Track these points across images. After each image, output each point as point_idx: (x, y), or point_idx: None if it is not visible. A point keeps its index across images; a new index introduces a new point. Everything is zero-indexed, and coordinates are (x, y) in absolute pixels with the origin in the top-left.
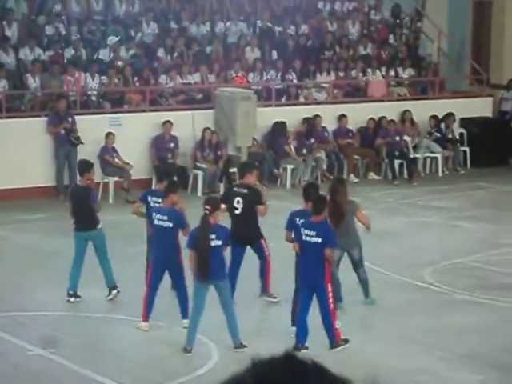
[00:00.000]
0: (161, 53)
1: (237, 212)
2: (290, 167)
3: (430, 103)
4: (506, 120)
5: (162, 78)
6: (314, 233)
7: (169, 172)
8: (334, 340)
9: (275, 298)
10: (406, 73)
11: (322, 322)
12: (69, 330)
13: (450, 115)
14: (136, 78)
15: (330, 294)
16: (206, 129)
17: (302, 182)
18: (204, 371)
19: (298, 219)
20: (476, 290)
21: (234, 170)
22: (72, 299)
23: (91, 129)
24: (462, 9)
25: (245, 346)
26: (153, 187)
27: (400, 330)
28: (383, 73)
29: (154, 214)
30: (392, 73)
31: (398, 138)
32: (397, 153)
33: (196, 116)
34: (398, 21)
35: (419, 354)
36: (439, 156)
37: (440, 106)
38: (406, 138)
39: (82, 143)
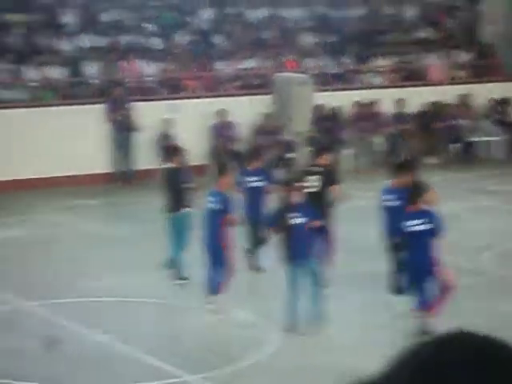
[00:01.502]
0: (217, 39)
1: (312, 190)
2: (348, 152)
3: (489, 87)
4: None
5: (219, 64)
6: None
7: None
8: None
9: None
10: (465, 56)
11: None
12: (130, 315)
13: (508, 99)
14: (192, 65)
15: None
16: (263, 114)
17: (361, 168)
18: (263, 356)
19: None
20: None
21: (292, 155)
22: (180, 282)
23: (148, 115)
24: None
25: (296, 331)
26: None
27: (458, 315)
28: (441, 56)
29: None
30: (450, 56)
31: (455, 122)
32: (454, 136)
33: (253, 101)
34: (455, 3)
35: None
36: (497, 139)
37: (498, 90)
38: (463, 121)
39: (138, 129)
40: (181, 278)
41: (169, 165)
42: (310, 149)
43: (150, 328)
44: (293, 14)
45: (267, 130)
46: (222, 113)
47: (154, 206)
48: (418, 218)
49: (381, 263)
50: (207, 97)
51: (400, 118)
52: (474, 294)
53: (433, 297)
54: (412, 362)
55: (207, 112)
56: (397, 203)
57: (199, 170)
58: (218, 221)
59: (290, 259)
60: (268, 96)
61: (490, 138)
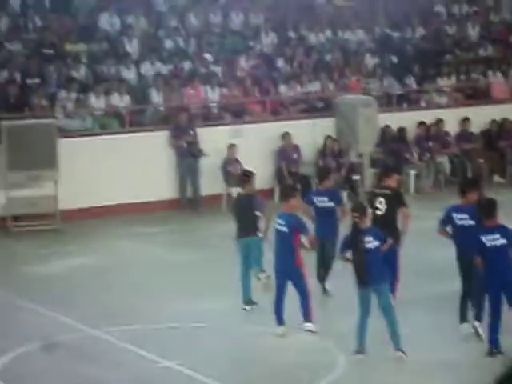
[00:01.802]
0: (280, 62)
1: (379, 213)
2: (412, 173)
3: None
4: None
5: (282, 88)
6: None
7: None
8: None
9: None
10: None
11: None
12: (198, 341)
13: None
14: (256, 89)
15: None
16: (327, 137)
17: (425, 188)
18: (329, 381)
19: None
20: None
21: (356, 177)
22: (248, 307)
23: (213, 140)
24: None
25: (404, 354)
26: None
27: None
28: (505, 74)
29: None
30: None
31: None
32: None
33: (317, 124)
34: None
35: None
36: None
37: None
38: None
39: (204, 155)
40: (248, 303)
41: (240, 191)
42: (375, 170)
43: (219, 354)
44: (354, 36)
45: (332, 153)
46: (286, 136)
47: (219, 232)
48: (497, 233)
49: (452, 284)
50: (271, 121)
51: (465, 137)
52: None
53: None
54: None
55: (271, 136)
56: (470, 222)
57: (265, 194)
58: (288, 243)
59: (363, 283)
60: (332, 118)
61: None
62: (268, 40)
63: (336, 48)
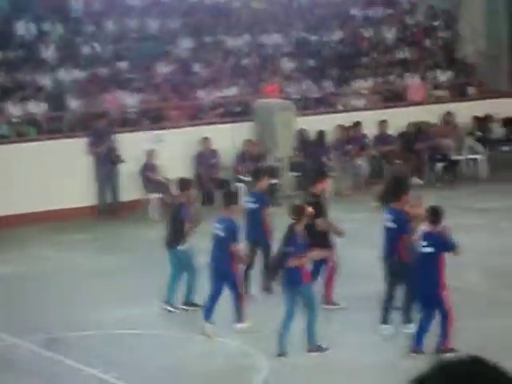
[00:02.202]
0: (197, 67)
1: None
2: (331, 175)
3: (470, 105)
4: None
5: (200, 93)
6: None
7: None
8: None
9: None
10: (445, 75)
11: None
12: (119, 348)
13: (490, 116)
14: (174, 94)
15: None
16: (247, 141)
17: (344, 191)
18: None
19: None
20: None
21: (275, 181)
22: (171, 308)
23: (132, 146)
24: (498, 7)
25: (322, 350)
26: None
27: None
28: (421, 76)
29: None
30: (430, 76)
31: (439, 141)
32: (438, 156)
33: (235, 129)
34: (433, 23)
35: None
36: (481, 157)
37: (480, 107)
38: (447, 140)
39: (123, 161)
40: (189, 304)
41: (177, 199)
42: (296, 174)
43: (145, 361)
44: (271, 39)
45: (251, 157)
46: (204, 141)
47: (140, 238)
48: (431, 239)
49: (374, 286)
50: (189, 126)
51: (382, 139)
52: (461, 311)
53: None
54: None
55: (190, 141)
56: (393, 225)
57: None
58: (225, 248)
59: (287, 286)
60: (250, 123)
61: (473, 155)
62: (185, 45)
63: (253, 52)
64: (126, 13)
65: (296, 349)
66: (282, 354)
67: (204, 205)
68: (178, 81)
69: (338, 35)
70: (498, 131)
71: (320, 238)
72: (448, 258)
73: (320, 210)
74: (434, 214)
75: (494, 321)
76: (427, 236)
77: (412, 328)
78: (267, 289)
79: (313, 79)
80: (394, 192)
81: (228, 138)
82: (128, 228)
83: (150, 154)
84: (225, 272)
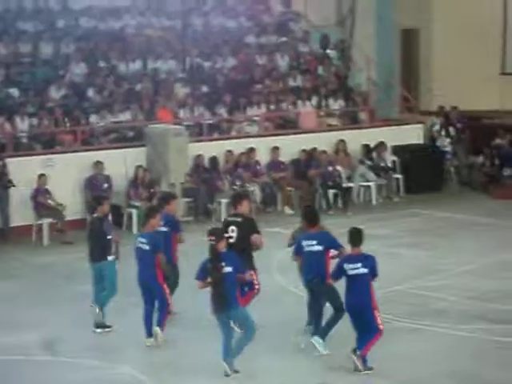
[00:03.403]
0: (91, 92)
1: (231, 241)
2: (224, 201)
3: (362, 132)
4: (436, 146)
5: (93, 118)
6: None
7: None
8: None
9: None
10: (337, 103)
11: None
12: (10, 375)
13: (381, 143)
14: (67, 119)
15: None
16: (138, 167)
17: None
18: None
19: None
20: (415, 316)
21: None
22: (99, 330)
23: (23, 171)
24: (389, 37)
25: (234, 372)
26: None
27: (342, 359)
28: (314, 104)
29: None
30: (323, 104)
31: (331, 169)
32: (330, 183)
33: (128, 154)
34: (326, 51)
35: (362, 381)
36: (373, 184)
37: (371, 135)
38: (339, 167)
39: (13, 186)
40: (100, 326)
41: (94, 215)
42: (189, 200)
43: None
44: (165, 65)
45: (143, 183)
46: (97, 165)
47: (31, 263)
48: (358, 262)
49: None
50: (82, 150)
51: (275, 165)
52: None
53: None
54: None
55: (82, 166)
56: (319, 248)
57: (76, 224)
58: (151, 260)
59: (221, 309)
60: (143, 148)
61: (366, 182)
62: (78, 70)
63: (146, 77)
64: (19, 37)
65: (189, 375)
66: (231, 373)
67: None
68: (70, 105)
69: (231, 62)
70: (388, 159)
71: (247, 261)
72: (343, 285)
73: (252, 228)
74: (358, 236)
75: (388, 347)
76: (357, 258)
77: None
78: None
79: (206, 105)
80: (311, 220)
81: (120, 164)
82: (19, 253)
83: (42, 178)
84: (153, 285)
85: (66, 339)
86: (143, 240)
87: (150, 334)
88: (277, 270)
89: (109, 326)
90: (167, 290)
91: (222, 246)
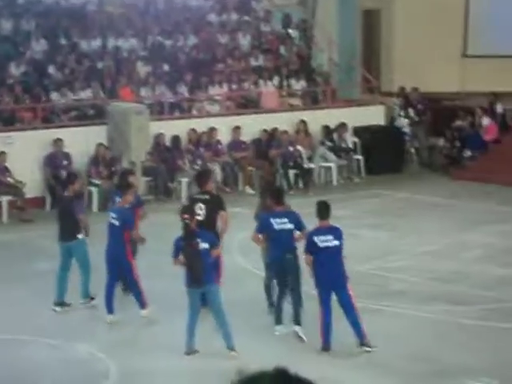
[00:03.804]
0: (52, 69)
1: (199, 218)
2: (184, 180)
3: (323, 113)
4: (397, 127)
5: (54, 95)
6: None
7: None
8: (364, 338)
9: None
10: (299, 83)
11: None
12: None
13: (342, 124)
14: (27, 96)
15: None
16: (99, 145)
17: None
18: None
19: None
20: (375, 297)
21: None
22: (58, 308)
23: None
24: (351, 18)
25: (235, 352)
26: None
27: (298, 340)
28: (275, 84)
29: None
30: (285, 83)
31: (291, 149)
32: (291, 163)
33: (89, 132)
34: (288, 31)
35: (323, 363)
36: (333, 165)
37: (333, 116)
38: (299, 148)
39: None
40: (60, 305)
41: (65, 193)
42: (149, 179)
43: None
44: (127, 43)
45: (104, 160)
46: (57, 142)
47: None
48: (329, 234)
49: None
50: (42, 128)
51: (236, 145)
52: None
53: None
54: None
55: (42, 143)
56: (290, 226)
57: (36, 202)
58: (120, 236)
59: (196, 284)
60: (104, 126)
61: (327, 163)
62: (39, 47)
63: (108, 55)
64: None
65: (149, 353)
66: (190, 351)
67: (54, 208)
68: (31, 82)
69: (193, 40)
70: (349, 140)
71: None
72: (303, 267)
73: (220, 205)
74: (326, 209)
75: (348, 328)
76: (326, 230)
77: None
78: (125, 289)
79: (168, 84)
80: (279, 198)
81: (81, 142)
82: None
83: (1, 156)
84: (121, 261)
85: (24, 318)
86: (114, 215)
87: (110, 310)
88: (237, 251)
89: (68, 304)
90: (136, 269)
91: (194, 224)
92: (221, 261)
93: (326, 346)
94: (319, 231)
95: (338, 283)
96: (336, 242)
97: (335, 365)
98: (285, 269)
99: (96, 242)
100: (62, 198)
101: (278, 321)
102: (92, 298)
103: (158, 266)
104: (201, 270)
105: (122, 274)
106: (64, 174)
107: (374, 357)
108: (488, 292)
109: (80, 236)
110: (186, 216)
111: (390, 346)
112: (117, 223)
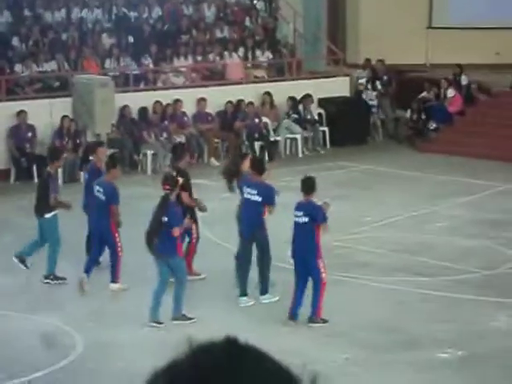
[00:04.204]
0: (15, 41)
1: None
2: (150, 153)
3: (288, 85)
4: (362, 99)
5: (18, 67)
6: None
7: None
8: (315, 314)
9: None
10: (264, 55)
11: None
12: None
13: (307, 96)
14: None
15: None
16: (64, 117)
17: (162, 167)
18: (68, 362)
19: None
20: (339, 268)
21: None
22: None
23: None
24: None
25: (190, 319)
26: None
27: (264, 311)
28: (241, 55)
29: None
30: (250, 55)
31: (257, 121)
32: (257, 135)
33: (53, 104)
34: (253, 2)
35: (284, 334)
36: (299, 137)
37: (298, 87)
38: (265, 120)
39: None
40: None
41: (48, 168)
42: (114, 151)
43: None
44: (91, 15)
45: (68, 133)
46: (20, 114)
47: None
48: (301, 210)
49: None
50: (6, 100)
51: (201, 117)
52: (281, 290)
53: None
54: (167, 373)
55: (6, 116)
56: (257, 198)
57: (0, 174)
58: (105, 209)
59: (162, 256)
60: (68, 98)
61: (292, 135)
62: (3, 18)
63: (72, 27)
64: None
65: (116, 326)
66: (156, 322)
67: (19, 180)
68: None
69: (157, 12)
70: (314, 111)
71: (186, 211)
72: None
73: (185, 184)
74: (309, 185)
75: (310, 299)
76: (302, 206)
77: (268, 298)
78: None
79: (132, 56)
80: (260, 169)
81: (46, 114)
82: None
83: None
84: (105, 233)
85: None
86: (100, 189)
87: (88, 274)
88: (202, 223)
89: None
90: (119, 243)
91: (173, 197)
92: (192, 234)
93: (291, 316)
94: (297, 206)
95: (307, 258)
96: (305, 219)
97: (299, 336)
98: (253, 242)
99: (64, 215)
100: (43, 172)
101: (243, 292)
102: (57, 278)
103: (128, 239)
104: (159, 242)
105: (101, 245)
106: (28, 146)
107: (339, 328)
108: (453, 264)
109: (47, 216)
110: (168, 187)
111: (354, 317)
112: (102, 197)
